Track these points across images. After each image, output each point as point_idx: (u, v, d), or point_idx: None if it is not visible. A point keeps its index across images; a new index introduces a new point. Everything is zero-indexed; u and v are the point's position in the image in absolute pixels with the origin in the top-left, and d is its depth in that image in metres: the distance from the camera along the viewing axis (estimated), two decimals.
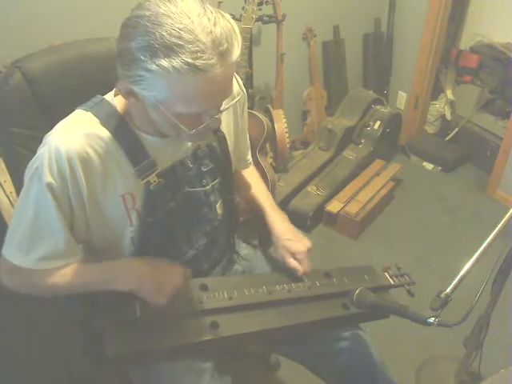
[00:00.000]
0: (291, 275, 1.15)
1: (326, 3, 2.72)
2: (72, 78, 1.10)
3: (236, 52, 0.80)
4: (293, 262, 1.14)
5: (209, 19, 0.77)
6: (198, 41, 0.75)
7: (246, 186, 1.30)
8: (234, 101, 0.97)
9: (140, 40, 0.76)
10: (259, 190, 1.29)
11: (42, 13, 1.90)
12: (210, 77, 0.77)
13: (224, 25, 0.78)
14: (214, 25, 0.77)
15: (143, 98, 0.83)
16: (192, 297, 1.03)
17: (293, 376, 1.70)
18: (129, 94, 0.85)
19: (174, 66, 0.75)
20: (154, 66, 0.75)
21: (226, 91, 0.87)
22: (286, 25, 2.43)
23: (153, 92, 0.80)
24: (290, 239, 1.17)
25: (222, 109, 0.90)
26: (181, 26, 0.75)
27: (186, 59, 0.74)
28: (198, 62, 0.75)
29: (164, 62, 0.75)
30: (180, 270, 1.00)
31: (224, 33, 0.77)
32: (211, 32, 0.76)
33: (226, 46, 0.77)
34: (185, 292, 1.00)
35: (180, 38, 0.74)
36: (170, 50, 0.74)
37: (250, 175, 1.32)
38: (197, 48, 0.75)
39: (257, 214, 1.27)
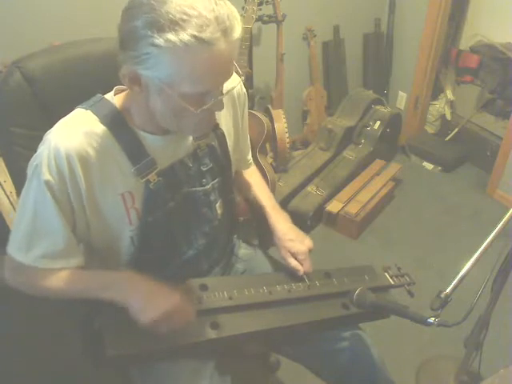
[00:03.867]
0: (292, 275, 1.15)
1: (326, 3, 2.72)
2: (72, 78, 1.10)
3: (238, 30, 0.81)
4: (293, 262, 1.15)
5: (209, 0, 0.79)
6: (202, 16, 0.77)
7: (247, 186, 1.30)
8: (236, 85, 0.96)
9: (145, 17, 0.77)
10: (260, 190, 1.29)
11: (42, 13, 1.90)
12: (215, 50, 0.79)
13: (224, 5, 0.80)
14: (216, 4, 0.79)
15: (147, 81, 0.84)
16: (192, 297, 1.03)
17: (293, 376, 1.70)
18: (132, 82, 0.85)
19: (181, 40, 0.76)
20: (161, 40, 0.76)
21: (228, 71, 0.88)
22: (285, 25, 2.43)
23: (158, 71, 0.80)
24: (292, 239, 1.17)
25: (224, 92, 0.91)
26: (185, 3, 0.77)
27: (192, 32, 0.76)
28: (204, 35, 0.77)
29: (171, 36, 0.76)
30: (176, 301, 0.94)
31: (225, 12, 0.79)
32: (213, 10, 0.78)
33: (228, 23, 0.79)
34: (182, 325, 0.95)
35: (185, 13, 0.76)
36: (175, 24, 0.76)
37: (251, 175, 1.32)
38: (202, 22, 0.76)
39: (258, 215, 1.26)
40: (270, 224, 1.22)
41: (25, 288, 1.00)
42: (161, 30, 0.76)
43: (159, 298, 0.93)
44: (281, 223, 1.21)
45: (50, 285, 0.96)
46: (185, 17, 0.76)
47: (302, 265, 1.15)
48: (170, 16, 0.75)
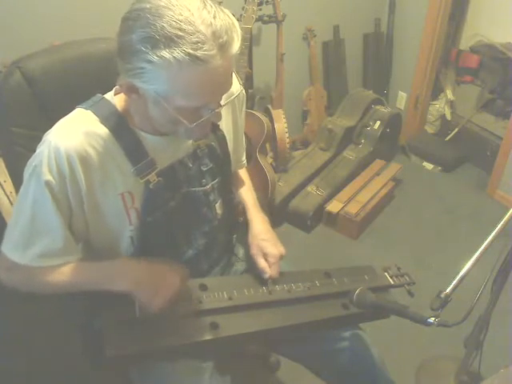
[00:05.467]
0: (258, 276, 1.13)
1: (326, 3, 2.72)
2: (72, 78, 1.10)
3: (236, 45, 0.81)
4: (263, 263, 1.13)
5: (208, 12, 0.78)
6: (198, 32, 0.76)
7: (240, 186, 1.31)
8: (234, 96, 0.96)
9: (141, 32, 0.76)
10: (246, 190, 1.29)
11: (42, 13, 1.90)
12: (210, 68, 0.78)
13: (224, 18, 0.79)
14: (214, 17, 0.78)
15: (144, 92, 0.84)
16: (191, 297, 1.03)
17: (293, 376, 1.70)
18: (130, 90, 0.85)
19: (174, 57, 0.75)
20: (155, 57, 0.76)
21: (225, 85, 0.87)
22: (285, 25, 2.43)
23: (153, 85, 0.80)
24: (266, 240, 1.16)
25: (221, 103, 0.90)
26: (181, 17, 0.75)
27: (187, 50, 0.75)
28: (199, 53, 0.76)
29: (165, 53, 0.75)
30: (179, 274, 0.98)
31: (224, 26, 0.78)
32: (211, 24, 0.77)
33: (225, 38, 0.78)
34: (184, 295, 0.99)
35: (180, 29, 0.75)
36: (170, 40, 0.75)
37: (243, 175, 1.33)
38: (197, 39, 0.76)
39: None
40: (247, 222, 1.21)
41: (22, 286, 0.99)
42: (155, 46, 0.75)
43: (163, 287, 0.95)
44: (258, 222, 1.20)
45: (48, 280, 0.96)
46: (180, 33, 0.75)
47: (270, 268, 1.12)
48: (165, 32, 0.75)
